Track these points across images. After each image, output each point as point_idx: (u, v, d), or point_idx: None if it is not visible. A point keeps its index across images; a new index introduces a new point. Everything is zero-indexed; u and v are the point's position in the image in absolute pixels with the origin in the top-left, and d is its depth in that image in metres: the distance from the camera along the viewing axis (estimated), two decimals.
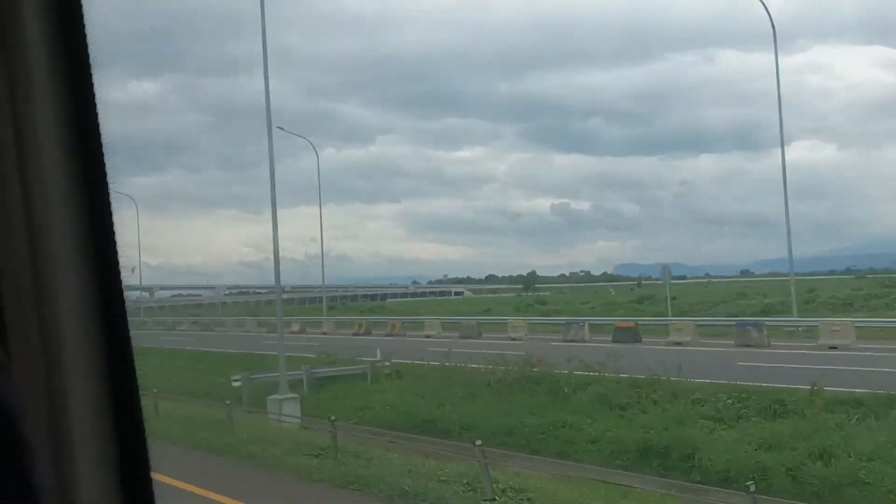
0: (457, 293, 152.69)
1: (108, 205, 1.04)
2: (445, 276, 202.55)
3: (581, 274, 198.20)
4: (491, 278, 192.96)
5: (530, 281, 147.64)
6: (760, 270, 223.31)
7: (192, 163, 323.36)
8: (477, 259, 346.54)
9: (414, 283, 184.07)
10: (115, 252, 1.05)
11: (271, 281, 23.49)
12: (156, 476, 1.05)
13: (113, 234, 1.04)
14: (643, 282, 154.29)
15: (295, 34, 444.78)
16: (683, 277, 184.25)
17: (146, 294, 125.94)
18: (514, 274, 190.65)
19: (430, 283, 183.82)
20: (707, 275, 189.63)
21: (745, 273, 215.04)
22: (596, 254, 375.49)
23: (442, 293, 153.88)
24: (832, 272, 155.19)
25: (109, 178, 1.05)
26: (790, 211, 33.40)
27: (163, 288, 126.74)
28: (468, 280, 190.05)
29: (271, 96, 19.16)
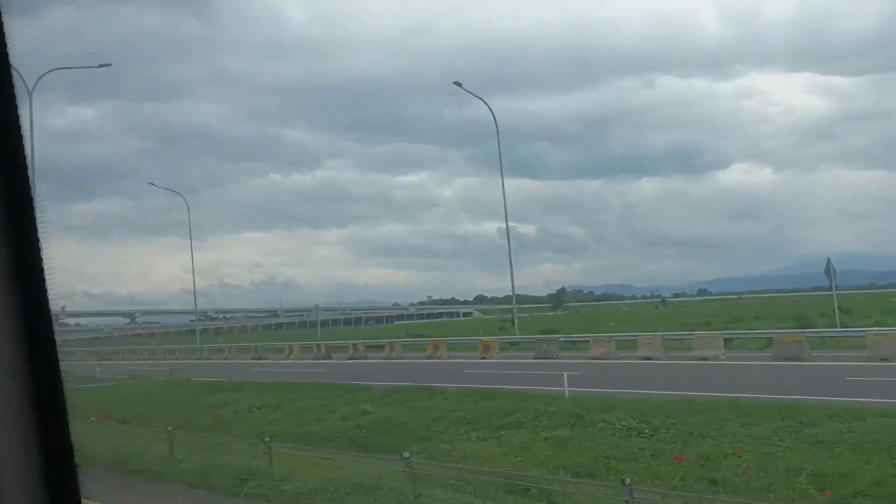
0: (465, 314, 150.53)
1: (34, 231, 1.02)
2: (429, 297, 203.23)
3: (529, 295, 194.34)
4: (480, 298, 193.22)
5: (558, 299, 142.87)
6: (704, 289, 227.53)
7: (133, 189, 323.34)
8: (426, 282, 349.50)
9: (395, 304, 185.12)
10: (44, 280, 1.03)
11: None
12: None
13: (41, 262, 1.02)
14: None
15: (239, 59, 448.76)
16: (634, 297, 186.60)
17: (127, 320, 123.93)
18: (462, 297, 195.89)
19: (413, 305, 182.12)
20: (660, 295, 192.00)
21: (702, 292, 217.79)
22: (542, 276, 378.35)
23: (450, 314, 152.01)
24: (780, 290, 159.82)
25: (37, 207, 1.03)
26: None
27: (95, 314, 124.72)
28: (453, 301, 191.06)
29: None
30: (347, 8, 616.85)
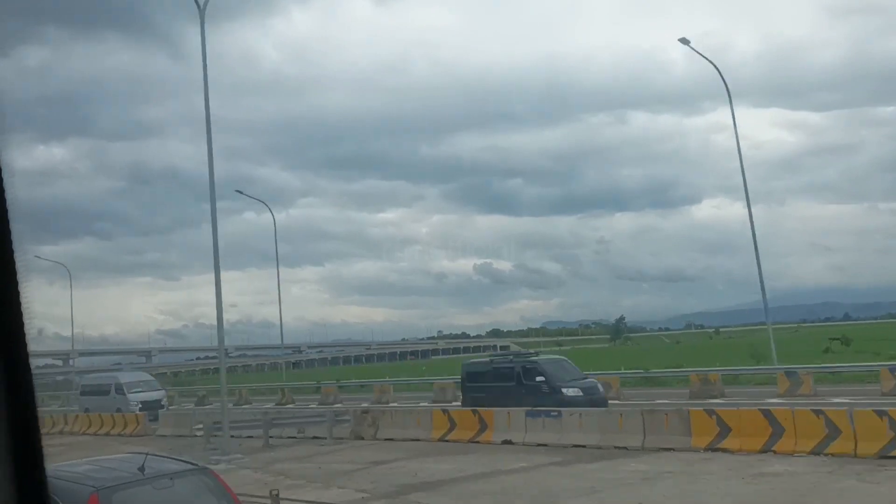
0: (503, 347, 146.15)
1: (13, 272, 0.99)
2: (439, 332, 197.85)
3: (505, 331, 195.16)
4: (495, 332, 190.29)
5: (618, 330, 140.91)
6: (679, 325, 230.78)
7: (105, 230, 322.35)
8: (403, 320, 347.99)
9: (403, 339, 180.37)
10: (22, 321, 1.00)
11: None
12: None
13: (19, 302, 0.99)
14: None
15: (211, 100, 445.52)
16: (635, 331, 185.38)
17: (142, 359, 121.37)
18: (449, 332, 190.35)
19: (421, 340, 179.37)
20: (659, 328, 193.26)
21: (689, 326, 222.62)
22: (519, 312, 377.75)
23: (484, 348, 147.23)
24: (762, 324, 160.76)
25: (14, 247, 1.00)
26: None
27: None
28: (464, 336, 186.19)
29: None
30: (321, 46, 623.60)
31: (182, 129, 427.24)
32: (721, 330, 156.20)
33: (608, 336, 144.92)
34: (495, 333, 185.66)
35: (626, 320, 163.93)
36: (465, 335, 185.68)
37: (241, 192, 43.79)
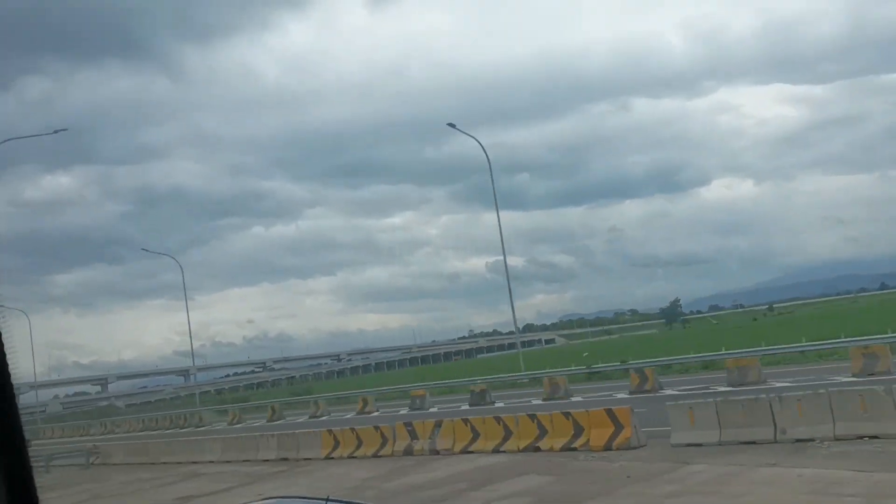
0: (547, 341, 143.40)
1: None
2: (470, 332, 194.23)
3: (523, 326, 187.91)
4: (529, 326, 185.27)
5: (673, 314, 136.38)
6: (698, 307, 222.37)
7: (117, 254, 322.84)
8: (419, 324, 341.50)
9: (433, 342, 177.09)
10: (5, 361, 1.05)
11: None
12: None
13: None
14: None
15: (213, 118, 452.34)
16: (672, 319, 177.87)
17: (182, 378, 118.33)
18: (487, 331, 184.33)
19: (453, 340, 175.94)
20: (691, 311, 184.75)
21: (714, 308, 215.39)
22: (535, 308, 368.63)
23: (530, 343, 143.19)
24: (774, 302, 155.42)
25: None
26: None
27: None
28: (494, 334, 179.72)
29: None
30: (318, 57, 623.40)
31: (185, 149, 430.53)
32: (774, 306, 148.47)
33: (662, 321, 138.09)
34: (529, 328, 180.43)
35: (680, 302, 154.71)
36: (496, 333, 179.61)
37: (146, 250, 41.28)
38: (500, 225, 39.42)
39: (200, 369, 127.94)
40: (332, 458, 18.63)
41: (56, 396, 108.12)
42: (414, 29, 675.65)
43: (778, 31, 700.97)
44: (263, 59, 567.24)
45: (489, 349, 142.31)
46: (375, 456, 17.64)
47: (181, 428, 43.44)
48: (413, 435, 17.54)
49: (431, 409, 29.08)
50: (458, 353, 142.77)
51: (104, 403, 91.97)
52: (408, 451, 17.20)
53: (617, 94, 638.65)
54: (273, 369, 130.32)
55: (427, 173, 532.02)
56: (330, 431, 19.56)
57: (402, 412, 29.39)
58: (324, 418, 34.13)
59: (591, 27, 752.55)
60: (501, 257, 40.59)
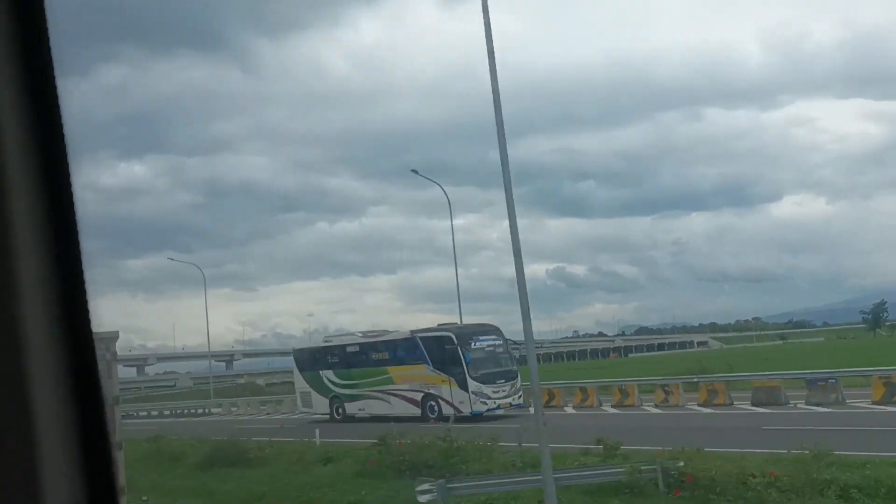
0: (700, 342, 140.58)
1: (83, 293, 1.07)
2: (576, 332, 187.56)
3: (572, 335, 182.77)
4: (643, 330, 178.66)
5: (879, 318, 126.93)
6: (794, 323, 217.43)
7: (185, 243, 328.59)
8: None
9: (571, 335, 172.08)
10: (91, 332, 1.07)
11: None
12: None
13: (88, 321, 1.07)
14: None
15: (282, 112, 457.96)
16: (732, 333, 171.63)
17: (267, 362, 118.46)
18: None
19: (561, 339, 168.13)
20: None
21: (797, 324, 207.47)
22: (595, 317, 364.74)
23: (682, 344, 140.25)
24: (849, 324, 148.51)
25: (85, 266, 1.07)
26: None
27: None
28: (587, 336, 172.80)
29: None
30: (389, 55, 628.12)
31: (255, 142, 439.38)
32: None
33: (865, 326, 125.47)
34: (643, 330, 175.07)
35: (885, 304, 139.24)
36: (599, 334, 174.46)
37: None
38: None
39: (245, 356, 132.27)
40: None
41: (189, 372, 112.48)
42: (482, 30, 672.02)
43: (862, 43, 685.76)
44: (333, 54, 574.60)
45: (626, 350, 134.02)
46: None
47: None
48: None
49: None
50: (614, 349, 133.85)
51: (241, 381, 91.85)
52: None
53: (688, 104, 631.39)
54: None
55: (491, 176, 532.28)
56: None
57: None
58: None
59: (662, 34, 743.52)
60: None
